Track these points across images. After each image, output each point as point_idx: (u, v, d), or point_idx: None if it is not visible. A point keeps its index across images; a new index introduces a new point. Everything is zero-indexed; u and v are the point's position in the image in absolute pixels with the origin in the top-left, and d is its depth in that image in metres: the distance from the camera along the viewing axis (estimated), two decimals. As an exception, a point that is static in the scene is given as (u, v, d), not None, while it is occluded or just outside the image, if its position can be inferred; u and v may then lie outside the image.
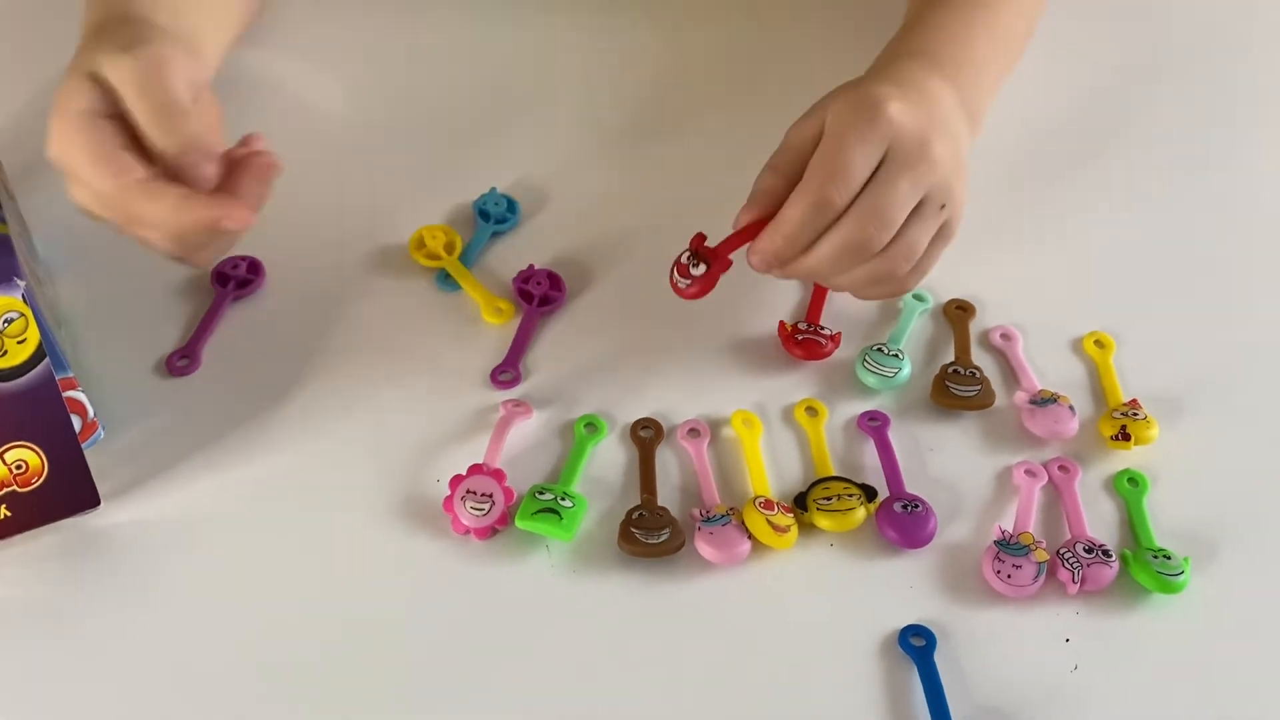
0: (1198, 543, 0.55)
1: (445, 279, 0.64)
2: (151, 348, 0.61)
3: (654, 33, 0.79)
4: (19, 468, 0.49)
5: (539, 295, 0.63)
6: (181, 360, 0.60)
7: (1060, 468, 0.57)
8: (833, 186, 0.52)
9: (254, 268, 0.64)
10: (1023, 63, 0.67)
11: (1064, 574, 0.53)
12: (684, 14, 0.80)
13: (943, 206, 0.55)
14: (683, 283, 0.56)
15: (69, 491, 0.50)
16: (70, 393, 0.52)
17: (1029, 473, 0.57)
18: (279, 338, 0.62)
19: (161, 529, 0.54)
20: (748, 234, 0.55)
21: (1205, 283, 0.66)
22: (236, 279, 0.63)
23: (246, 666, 0.50)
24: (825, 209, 0.53)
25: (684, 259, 0.56)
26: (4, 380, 0.48)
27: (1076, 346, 0.63)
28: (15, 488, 0.49)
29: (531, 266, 0.64)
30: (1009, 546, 0.53)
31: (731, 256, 0.56)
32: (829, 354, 0.61)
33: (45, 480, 0.49)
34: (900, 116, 0.53)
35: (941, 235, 0.56)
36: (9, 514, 0.49)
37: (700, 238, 0.56)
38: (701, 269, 0.55)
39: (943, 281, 0.65)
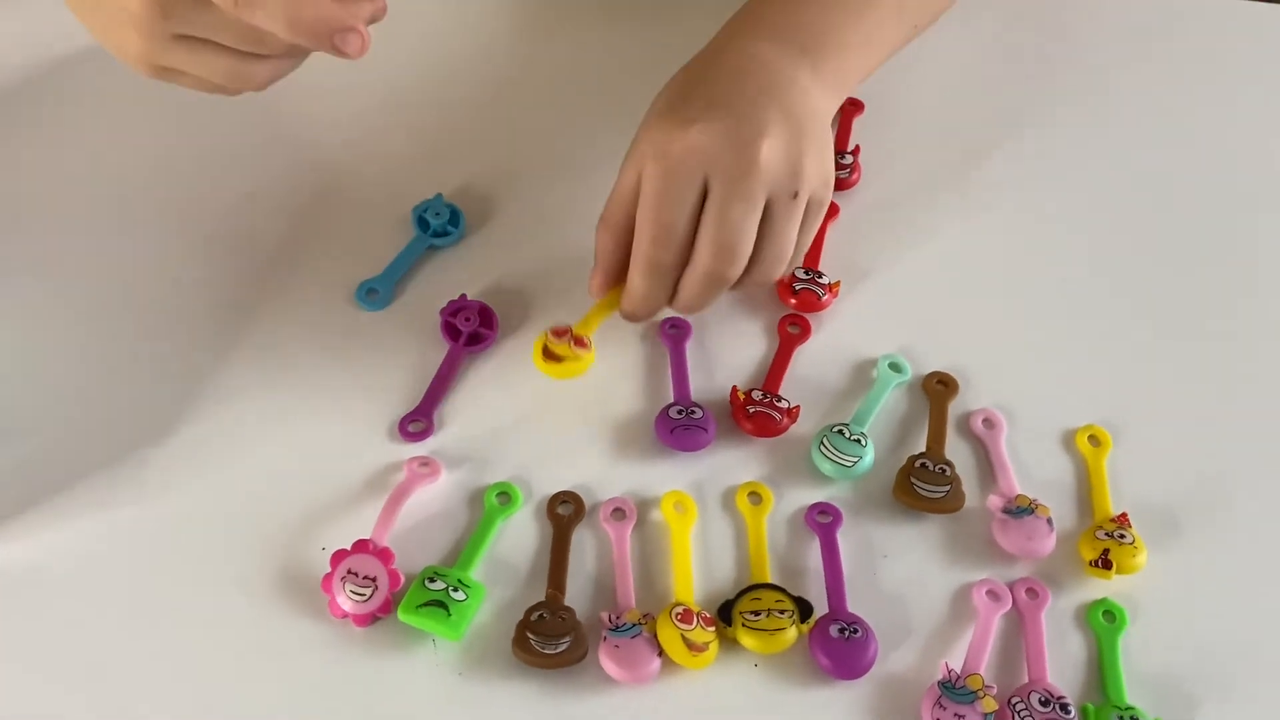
0: (1176, 699, 0.48)
1: (367, 294, 0.57)
2: None
3: (641, 39, 0.71)
4: None
5: (467, 332, 0.56)
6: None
7: (1029, 591, 0.50)
8: (659, 250, 0.50)
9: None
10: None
11: (1013, 729, 0.46)
12: (664, 17, 0.71)
13: (795, 194, 0.50)
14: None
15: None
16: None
17: (991, 594, 0.50)
18: (163, 361, 0.55)
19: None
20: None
21: (1222, 382, 0.58)
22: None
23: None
24: (661, 271, 0.51)
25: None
26: None
27: (1068, 440, 0.55)
28: None
29: (463, 297, 0.57)
30: (953, 691, 0.47)
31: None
32: (783, 430, 0.54)
33: None
34: (702, 139, 0.49)
35: (811, 214, 0.52)
36: None
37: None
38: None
39: (926, 351, 0.58)
